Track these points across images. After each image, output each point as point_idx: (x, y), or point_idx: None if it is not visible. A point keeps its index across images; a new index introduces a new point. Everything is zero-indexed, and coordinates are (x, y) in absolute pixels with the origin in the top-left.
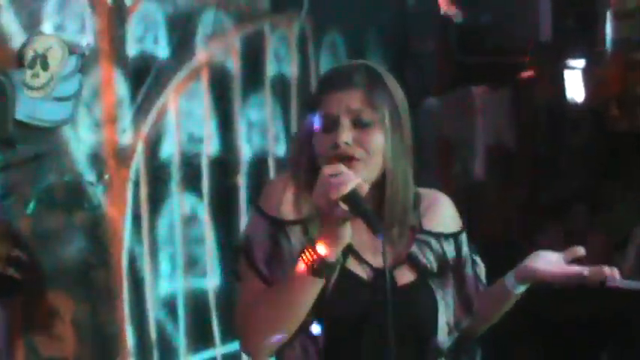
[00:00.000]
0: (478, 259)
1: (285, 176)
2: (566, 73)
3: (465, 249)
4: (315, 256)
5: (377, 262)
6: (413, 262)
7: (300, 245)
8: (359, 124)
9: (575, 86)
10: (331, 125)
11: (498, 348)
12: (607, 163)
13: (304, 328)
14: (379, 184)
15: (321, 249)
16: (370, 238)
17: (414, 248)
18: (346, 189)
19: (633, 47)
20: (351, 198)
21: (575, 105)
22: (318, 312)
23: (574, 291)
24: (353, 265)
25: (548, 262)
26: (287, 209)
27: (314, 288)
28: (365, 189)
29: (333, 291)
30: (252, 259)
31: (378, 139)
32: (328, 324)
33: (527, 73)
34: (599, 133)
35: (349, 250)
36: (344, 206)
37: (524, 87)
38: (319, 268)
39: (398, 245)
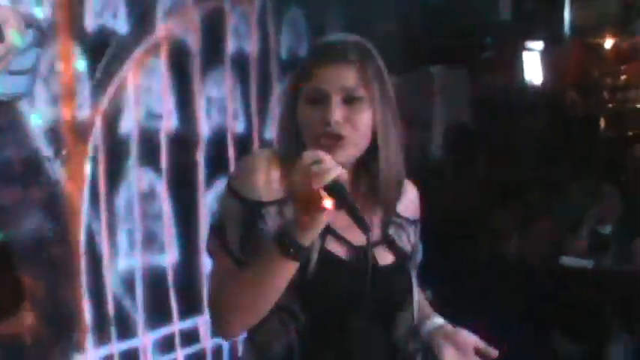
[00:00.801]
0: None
1: (260, 152)
2: (525, 56)
3: (417, 237)
4: (289, 240)
5: (356, 239)
6: (392, 244)
7: (275, 227)
8: (349, 101)
9: (533, 69)
10: (321, 100)
11: None
12: (563, 146)
13: (284, 306)
14: (365, 161)
15: (296, 233)
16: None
17: (392, 231)
18: (328, 178)
19: (592, 33)
20: (333, 189)
21: (533, 88)
22: (299, 292)
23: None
24: (332, 244)
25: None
26: (262, 189)
27: (288, 271)
28: (344, 176)
29: (313, 271)
30: (225, 241)
31: (367, 116)
32: (309, 303)
33: (485, 55)
34: (556, 116)
35: (327, 231)
36: (324, 195)
37: (483, 68)
38: (294, 251)
39: (381, 225)
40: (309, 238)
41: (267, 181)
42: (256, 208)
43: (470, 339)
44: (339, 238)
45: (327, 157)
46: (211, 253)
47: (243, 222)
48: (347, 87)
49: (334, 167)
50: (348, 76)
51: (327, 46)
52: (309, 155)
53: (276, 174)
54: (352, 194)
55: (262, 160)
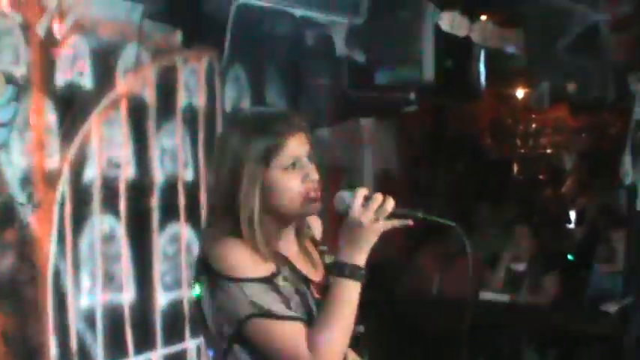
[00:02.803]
0: None
1: (227, 240)
2: (446, 107)
3: None
4: (352, 267)
5: (315, 276)
6: (329, 270)
7: (290, 286)
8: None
9: (453, 119)
10: (294, 165)
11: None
12: (480, 189)
13: None
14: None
15: (355, 259)
16: (303, 254)
17: (328, 259)
18: (388, 210)
19: (505, 83)
20: (397, 213)
21: (453, 136)
22: None
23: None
24: (300, 284)
25: None
26: (263, 267)
27: (358, 292)
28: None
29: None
30: (275, 314)
31: None
32: None
33: (410, 108)
34: (473, 161)
35: (293, 271)
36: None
37: (408, 120)
38: (361, 274)
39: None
40: (365, 260)
41: (259, 261)
42: (270, 282)
43: None
44: (304, 278)
45: (366, 191)
46: (272, 337)
47: (275, 293)
48: (308, 152)
49: (386, 200)
50: (307, 141)
51: (284, 119)
52: (362, 194)
53: (256, 256)
54: (299, 251)
55: (245, 247)
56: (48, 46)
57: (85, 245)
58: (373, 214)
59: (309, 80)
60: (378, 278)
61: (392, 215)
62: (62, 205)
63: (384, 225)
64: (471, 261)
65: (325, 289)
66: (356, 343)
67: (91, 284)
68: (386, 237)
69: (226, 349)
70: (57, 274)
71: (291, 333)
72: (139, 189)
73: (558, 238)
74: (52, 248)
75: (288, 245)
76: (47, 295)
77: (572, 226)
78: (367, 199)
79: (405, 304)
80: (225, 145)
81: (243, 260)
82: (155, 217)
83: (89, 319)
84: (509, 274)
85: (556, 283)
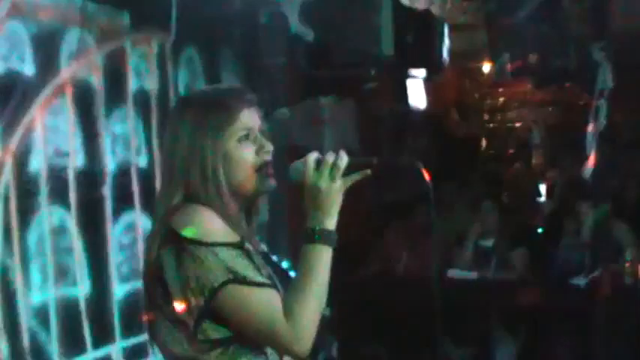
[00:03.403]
0: None
1: (194, 207)
2: (408, 84)
3: None
4: (326, 232)
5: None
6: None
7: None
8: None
9: (416, 95)
10: (247, 137)
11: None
12: (445, 165)
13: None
14: None
15: (325, 223)
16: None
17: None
18: (342, 167)
19: (469, 57)
20: (351, 165)
21: (416, 113)
22: None
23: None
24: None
25: None
26: (231, 233)
27: (330, 257)
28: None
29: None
30: (251, 280)
31: None
32: None
33: (370, 85)
34: (438, 138)
35: (259, 253)
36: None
37: (368, 98)
38: (333, 239)
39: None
40: (335, 223)
41: (226, 227)
42: (242, 246)
43: None
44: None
45: (316, 155)
46: (249, 305)
47: (244, 259)
48: (260, 126)
49: (339, 157)
50: (257, 116)
51: (238, 93)
52: (311, 159)
53: (222, 221)
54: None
55: (211, 212)
56: None
57: (34, 239)
58: (328, 174)
59: (265, 60)
60: (343, 260)
61: (348, 170)
62: (6, 198)
63: (343, 183)
64: (432, 210)
65: (274, 271)
66: (323, 327)
67: (42, 279)
68: (352, 215)
69: (194, 327)
70: (4, 271)
71: (267, 300)
72: (90, 178)
73: (526, 212)
74: None
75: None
76: None
77: (541, 199)
78: (319, 162)
79: (373, 285)
80: (179, 120)
81: (213, 224)
82: (108, 206)
83: (42, 315)
84: (476, 251)
85: (524, 258)
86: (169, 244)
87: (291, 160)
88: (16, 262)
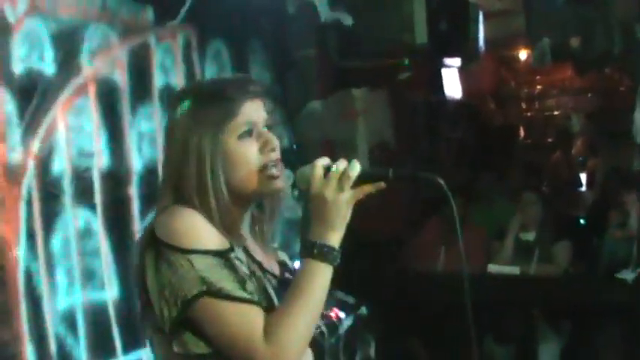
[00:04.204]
0: None
1: (183, 209)
2: (443, 73)
3: None
4: (326, 248)
5: (269, 268)
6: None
7: (245, 268)
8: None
9: (451, 84)
10: (250, 133)
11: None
12: (483, 156)
13: None
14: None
15: (328, 238)
16: (260, 247)
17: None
18: (354, 175)
19: (505, 44)
20: (364, 178)
21: (452, 102)
22: None
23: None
24: (256, 268)
25: None
26: (216, 239)
27: (328, 278)
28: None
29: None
30: (227, 294)
31: None
32: None
33: (404, 75)
34: (475, 127)
35: (248, 255)
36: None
37: (402, 88)
38: (335, 256)
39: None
40: (340, 239)
41: (213, 232)
42: (225, 255)
43: None
44: (261, 267)
45: (326, 160)
46: (222, 322)
47: (228, 270)
48: (266, 120)
49: (350, 163)
50: (263, 109)
51: (240, 84)
52: (319, 165)
53: (210, 226)
54: (254, 242)
55: (196, 216)
56: (0, 30)
57: (59, 243)
58: (336, 184)
59: (295, 52)
60: (381, 256)
61: (360, 181)
62: (29, 201)
63: (353, 195)
64: (456, 214)
65: (281, 284)
66: (361, 326)
67: (68, 284)
68: (388, 209)
69: (170, 339)
70: (28, 277)
71: (244, 318)
72: (115, 178)
73: (569, 203)
74: (20, 249)
75: (242, 232)
76: (19, 300)
77: (583, 189)
78: (328, 169)
79: (411, 282)
80: (174, 114)
81: (195, 229)
82: (135, 206)
83: (69, 321)
84: (518, 245)
85: (568, 252)
86: (150, 248)
87: (324, 155)
88: (41, 267)
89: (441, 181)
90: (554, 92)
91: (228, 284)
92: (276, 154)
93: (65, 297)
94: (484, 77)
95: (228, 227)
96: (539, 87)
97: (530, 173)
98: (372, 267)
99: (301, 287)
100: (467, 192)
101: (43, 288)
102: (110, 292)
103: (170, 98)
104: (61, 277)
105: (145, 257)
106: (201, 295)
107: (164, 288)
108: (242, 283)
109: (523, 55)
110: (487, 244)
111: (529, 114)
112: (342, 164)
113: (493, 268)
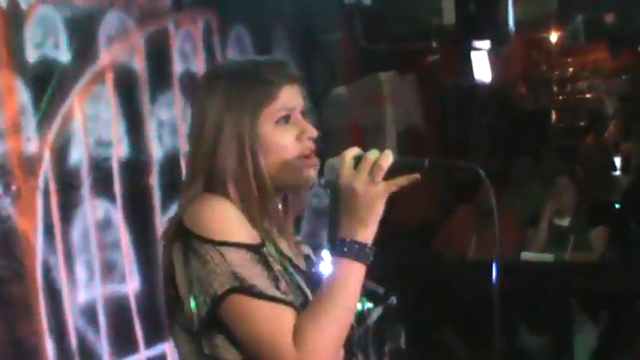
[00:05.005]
0: None
1: (216, 199)
2: (472, 56)
3: None
4: (358, 245)
5: (301, 264)
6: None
7: (277, 264)
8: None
9: (481, 68)
10: (286, 119)
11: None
12: (514, 141)
13: None
14: None
15: (360, 235)
16: (287, 240)
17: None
18: (386, 165)
19: (536, 26)
20: (398, 165)
21: (482, 86)
22: None
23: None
24: (287, 264)
25: None
26: (250, 233)
27: (361, 276)
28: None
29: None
30: (259, 292)
31: None
32: None
33: (433, 58)
34: (505, 112)
35: (277, 251)
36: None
37: (431, 71)
38: (365, 253)
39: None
40: (372, 235)
41: (246, 224)
42: (259, 250)
43: None
44: (295, 266)
45: (356, 150)
46: (251, 320)
47: (262, 267)
48: (303, 106)
49: (383, 153)
50: (300, 94)
51: (276, 66)
52: (349, 156)
53: (243, 218)
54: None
55: (229, 206)
56: (13, 17)
57: (77, 235)
58: (367, 176)
59: (320, 35)
60: (411, 244)
61: (393, 172)
62: (46, 192)
63: (385, 187)
64: (493, 202)
65: (308, 280)
66: (391, 317)
67: (88, 277)
68: (419, 196)
69: (199, 340)
70: (47, 270)
71: (275, 319)
72: (135, 167)
73: (603, 188)
74: (38, 241)
75: (271, 226)
76: (38, 293)
77: (617, 173)
78: (359, 159)
79: (442, 270)
80: (207, 96)
81: (228, 219)
82: (156, 196)
83: (90, 315)
84: (553, 231)
85: (604, 237)
86: (177, 239)
87: (353, 141)
88: (59, 260)
89: (480, 170)
90: (586, 75)
91: (262, 282)
92: (312, 143)
93: (85, 290)
94: (514, 60)
95: (269, 217)
96: (570, 69)
97: (563, 158)
98: (403, 255)
99: (332, 289)
100: (499, 178)
101: (63, 281)
102: (131, 285)
103: (202, 77)
104: (80, 270)
105: (172, 250)
106: (232, 292)
107: (193, 284)
108: (275, 281)
109: (554, 36)
110: (518, 232)
111: (561, 97)
112: (373, 154)
113: (527, 255)
